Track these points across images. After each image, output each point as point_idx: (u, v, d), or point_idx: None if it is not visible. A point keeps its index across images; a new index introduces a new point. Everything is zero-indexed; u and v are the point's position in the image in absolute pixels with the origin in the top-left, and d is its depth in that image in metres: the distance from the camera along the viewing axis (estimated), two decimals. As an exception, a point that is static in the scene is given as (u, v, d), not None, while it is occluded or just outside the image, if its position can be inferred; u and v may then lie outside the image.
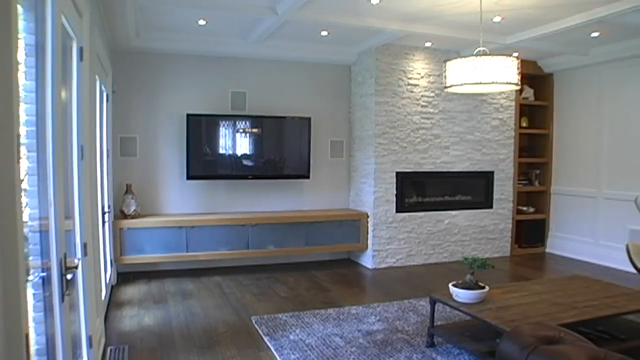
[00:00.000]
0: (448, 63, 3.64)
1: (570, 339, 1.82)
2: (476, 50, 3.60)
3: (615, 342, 3.03)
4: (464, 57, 3.53)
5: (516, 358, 1.77)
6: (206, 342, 3.32)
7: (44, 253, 1.90)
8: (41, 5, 1.87)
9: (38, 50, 1.81)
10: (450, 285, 3.15)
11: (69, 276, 1.99)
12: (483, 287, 3.10)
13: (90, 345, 2.77)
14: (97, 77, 3.76)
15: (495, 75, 3.43)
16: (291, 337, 3.40)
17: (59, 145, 2.03)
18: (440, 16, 4.34)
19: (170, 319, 3.78)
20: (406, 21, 4.47)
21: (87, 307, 2.75)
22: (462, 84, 3.58)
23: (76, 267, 2.21)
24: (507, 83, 3.51)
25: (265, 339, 3.37)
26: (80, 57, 2.69)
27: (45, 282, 1.90)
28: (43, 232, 1.90)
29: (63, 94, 2.45)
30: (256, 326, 3.61)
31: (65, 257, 2.07)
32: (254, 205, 5.44)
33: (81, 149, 2.71)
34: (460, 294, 3.07)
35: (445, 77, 3.65)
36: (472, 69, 3.49)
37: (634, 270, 4.20)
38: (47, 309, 1.91)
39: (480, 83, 3.49)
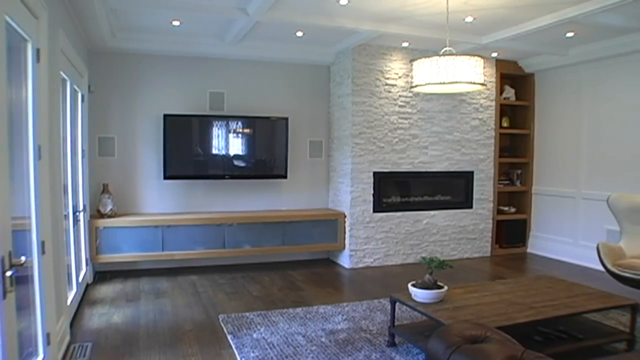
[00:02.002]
0: (414, 63, 3.66)
1: (497, 338, 1.83)
2: (442, 50, 3.61)
3: (573, 341, 3.04)
4: (429, 57, 3.55)
5: (440, 356, 1.78)
6: (170, 340, 3.35)
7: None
8: (-22, 7, 1.90)
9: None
10: (409, 285, 3.17)
11: (8, 273, 2.02)
12: (441, 287, 3.12)
13: (48, 342, 2.80)
14: (66, 78, 3.81)
15: (459, 75, 3.45)
16: (254, 335, 3.42)
17: (2, 145, 2.05)
18: (411, 16, 4.35)
19: (139, 317, 3.81)
20: (378, 21, 4.49)
21: (45, 304, 2.78)
22: (426, 84, 3.60)
23: (22, 265, 2.24)
24: (471, 83, 3.52)
25: (229, 337, 3.40)
26: (37, 58, 2.73)
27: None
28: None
29: (14, 95, 2.49)
30: (222, 324, 3.64)
31: (10, 255, 2.10)
32: (231, 205, 5.47)
33: (38, 149, 2.74)
34: (419, 294, 3.09)
35: (412, 77, 3.67)
36: (435, 69, 3.51)
37: (605, 271, 4.20)
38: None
39: (444, 83, 3.51)
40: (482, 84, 3.61)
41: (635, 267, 3.87)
